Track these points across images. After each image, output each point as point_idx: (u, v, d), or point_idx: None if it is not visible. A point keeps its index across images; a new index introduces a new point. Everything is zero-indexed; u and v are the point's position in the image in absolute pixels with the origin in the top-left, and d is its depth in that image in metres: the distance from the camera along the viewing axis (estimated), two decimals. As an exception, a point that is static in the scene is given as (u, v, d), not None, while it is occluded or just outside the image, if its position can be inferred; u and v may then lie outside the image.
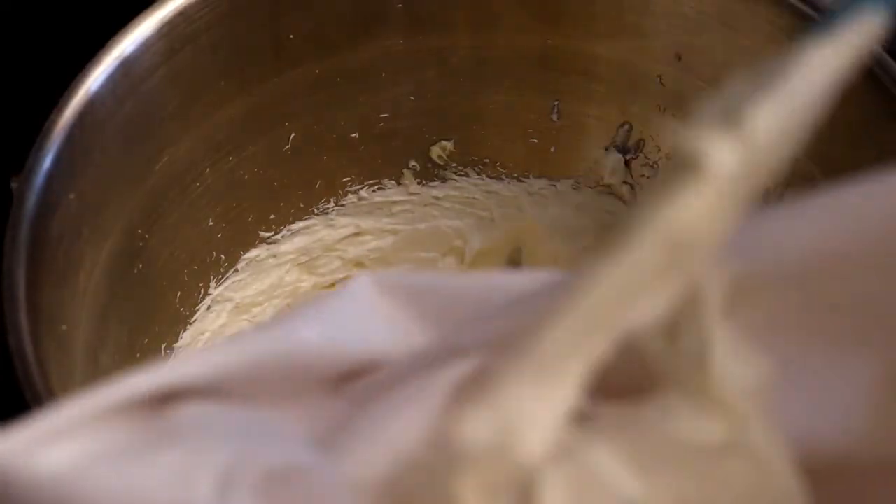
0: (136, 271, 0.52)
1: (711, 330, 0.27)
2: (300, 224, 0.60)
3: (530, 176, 0.61)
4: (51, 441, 0.28)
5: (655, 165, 0.59)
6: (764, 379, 0.27)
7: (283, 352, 0.31)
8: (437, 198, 0.61)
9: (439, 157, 0.61)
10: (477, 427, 0.26)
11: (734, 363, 0.27)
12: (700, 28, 0.54)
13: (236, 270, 0.58)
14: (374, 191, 0.61)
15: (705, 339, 0.27)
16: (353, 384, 0.32)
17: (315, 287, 0.61)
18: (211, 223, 0.56)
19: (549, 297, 0.29)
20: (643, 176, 0.59)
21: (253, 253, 0.59)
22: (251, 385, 0.30)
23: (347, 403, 0.31)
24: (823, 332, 0.29)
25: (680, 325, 0.27)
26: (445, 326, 0.33)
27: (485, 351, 0.30)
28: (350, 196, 0.60)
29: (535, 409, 0.26)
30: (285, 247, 0.60)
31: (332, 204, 0.60)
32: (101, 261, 0.49)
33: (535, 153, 0.60)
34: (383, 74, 0.57)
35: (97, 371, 0.49)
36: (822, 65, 0.28)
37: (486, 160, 0.61)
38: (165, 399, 0.29)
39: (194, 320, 0.57)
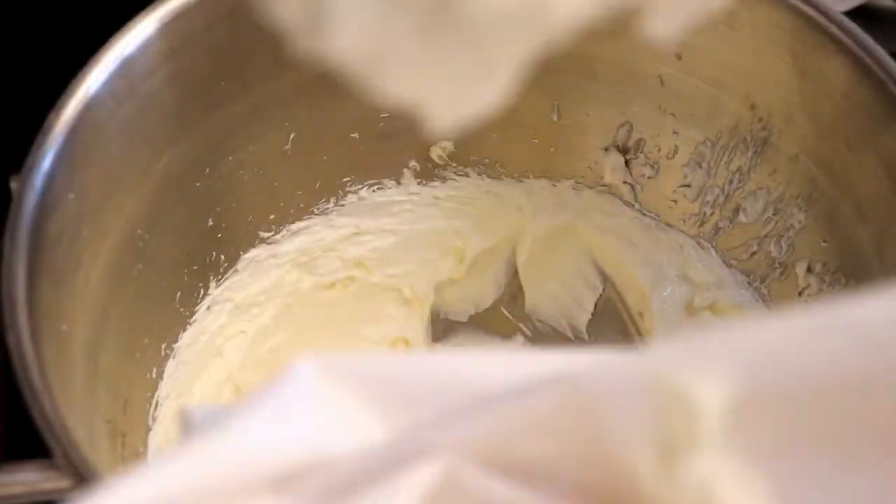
0: (135, 271, 0.52)
1: (714, 461, 0.25)
2: (300, 224, 0.60)
3: (530, 176, 0.61)
4: None
5: (655, 165, 0.59)
6: None
7: (226, 460, 0.29)
8: (437, 198, 0.61)
9: (439, 157, 0.61)
10: None
11: (738, 497, 0.25)
12: (700, 28, 0.54)
13: (236, 270, 0.58)
14: (374, 191, 0.61)
15: (708, 472, 0.25)
16: (300, 485, 0.30)
17: (315, 287, 0.61)
18: (211, 223, 0.56)
19: (512, 396, 0.28)
20: (643, 176, 0.59)
21: (253, 253, 0.59)
22: (200, 498, 0.28)
23: None
24: (827, 449, 0.28)
25: (677, 449, 0.25)
26: (399, 419, 0.30)
27: (454, 451, 0.28)
28: (350, 196, 0.60)
29: None
30: (285, 247, 0.60)
31: (332, 204, 0.60)
32: (100, 260, 0.49)
33: (535, 153, 0.60)
34: (383, 74, 0.57)
35: (97, 371, 0.49)
36: None
37: (487, 160, 0.61)
38: None
39: (194, 320, 0.57)
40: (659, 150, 0.58)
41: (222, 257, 0.58)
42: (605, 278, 0.62)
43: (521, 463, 0.28)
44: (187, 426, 0.31)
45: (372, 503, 0.28)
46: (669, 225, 0.60)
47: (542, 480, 0.28)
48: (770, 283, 0.57)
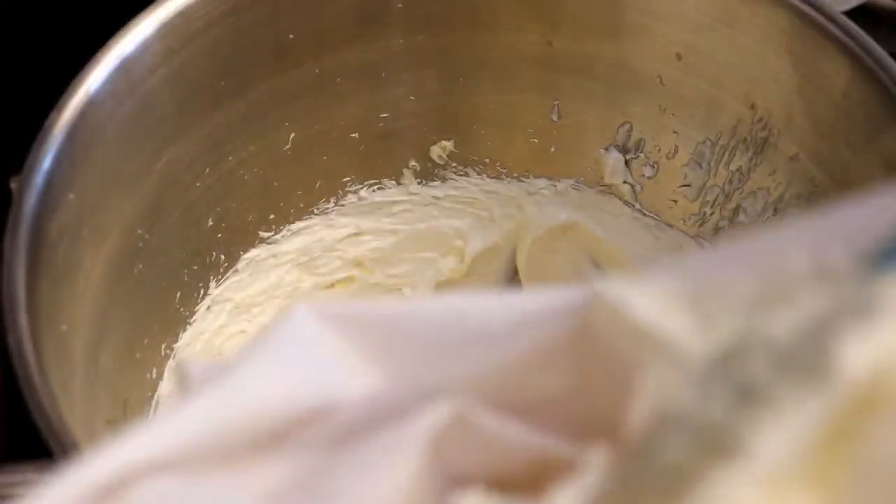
0: (135, 271, 0.52)
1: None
2: (300, 224, 0.60)
3: (530, 176, 0.61)
4: None
5: (655, 165, 0.59)
6: None
7: (227, 414, 0.28)
8: (437, 198, 0.61)
9: (439, 157, 0.61)
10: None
11: None
12: (700, 28, 0.54)
13: (236, 270, 0.58)
14: (374, 191, 0.61)
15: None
16: (303, 434, 0.29)
17: (315, 287, 0.61)
18: (211, 223, 0.56)
19: (521, 326, 0.27)
20: (643, 176, 0.59)
21: (253, 253, 0.59)
22: (203, 453, 0.28)
23: (304, 459, 0.29)
24: None
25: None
26: (402, 362, 0.30)
27: (461, 392, 0.28)
28: (350, 196, 0.60)
29: None
30: (285, 247, 0.60)
31: (332, 204, 0.60)
32: (100, 261, 0.49)
33: (535, 153, 0.60)
34: (383, 74, 0.57)
35: (97, 371, 0.49)
36: None
37: (486, 160, 0.61)
38: (116, 486, 0.27)
39: (194, 320, 0.57)
40: (659, 149, 0.58)
41: (222, 257, 0.58)
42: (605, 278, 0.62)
43: (529, 400, 0.28)
44: (185, 380, 0.31)
45: (380, 448, 0.27)
46: (669, 225, 0.60)
47: (549, 418, 0.28)
48: (770, 282, 0.57)
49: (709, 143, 0.57)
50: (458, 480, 0.28)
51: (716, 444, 0.21)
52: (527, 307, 0.29)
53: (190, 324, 0.56)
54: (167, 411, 0.29)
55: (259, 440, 0.29)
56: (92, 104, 0.47)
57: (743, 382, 0.22)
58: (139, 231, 0.51)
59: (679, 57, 0.55)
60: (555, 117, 0.59)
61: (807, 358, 0.21)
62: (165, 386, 0.55)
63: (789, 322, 0.22)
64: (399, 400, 0.28)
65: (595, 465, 0.26)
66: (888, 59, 0.49)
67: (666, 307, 0.25)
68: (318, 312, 0.30)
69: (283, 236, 0.59)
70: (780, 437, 0.21)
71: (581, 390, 0.28)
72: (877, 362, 0.21)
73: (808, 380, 0.21)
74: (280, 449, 0.29)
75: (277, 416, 0.29)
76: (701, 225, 0.59)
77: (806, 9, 0.50)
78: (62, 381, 0.44)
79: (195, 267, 0.56)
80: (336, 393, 0.29)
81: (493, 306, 0.30)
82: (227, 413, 0.28)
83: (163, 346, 0.55)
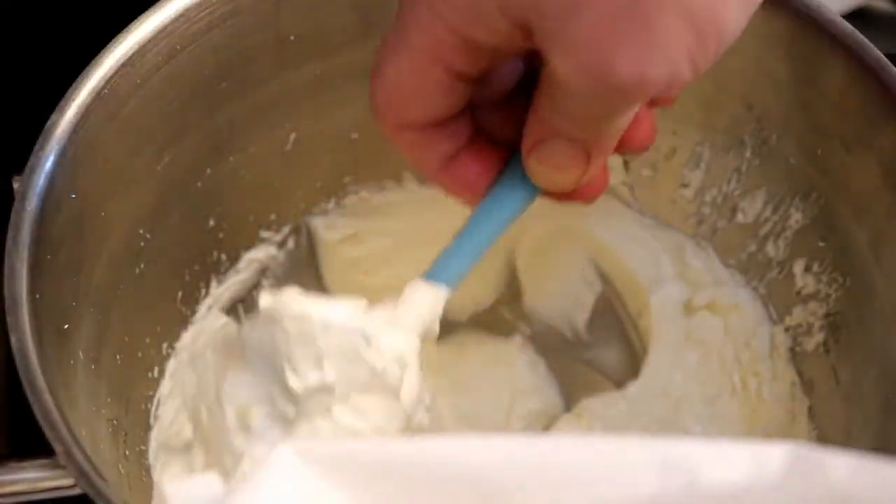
0: (137, 271, 0.52)
1: None
2: (301, 224, 0.60)
3: (530, 176, 0.61)
4: None
5: (654, 165, 0.59)
6: None
7: None
8: (437, 198, 0.61)
9: (439, 157, 0.61)
10: None
11: None
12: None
13: (237, 270, 0.58)
14: (374, 191, 0.61)
15: None
16: None
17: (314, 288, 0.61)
18: (212, 223, 0.56)
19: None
20: (642, 176, 0.60)
21: (254, 253, 0.59)
22: None
23: None
24: None
25: None
26: None
27: None
28: (350, 196, 0.61)
29: None
30: (286, 247, 0.60)
31: (332, 204, 0.60)
32: (102, 260, 0.49)
33: (534, 153, 0.60)
34: (383, 75, 0.57)
35: (99, 370, 0.49)
36: None
37: (486, 160, 0.61)
38: None
39: (195, 320, 0.57)
40: (657, 150, 0.58)
41: (223, 257, 0.58)
42: (604, 278, 0.62)
43: None
44: None
45: None
46: (668, 225, 0.60)
47: None
48: (768, 282, 0.58)
49: (707, 143, 0.57)
50: None
51: None
52: (518, 462, 0.28)
53: (191, 323, 0.57)
54: None
55: None
56: (94, 104, 0.47)
57: None
58: (141, 231, 0.52)
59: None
60: (554, 118, 0.59)
61: None
62: (166, 385, 0.55)
63: None
64: None
65: None
66: (885, 61, 0.49)
67: None
68: (301, 454, 0.29)
69: (283, 236, 0.60)
70: None
71: None
72: None
73: None
74: None
75: None
76: (699, 225, 0.59)
77: (804, 11, 0.51)
78: (64, 380, 0.44)
79: (196, 267, 0.56)
80: None
81: (479, 459, 0.28)
82: None
83: (164, 346, 0.55)
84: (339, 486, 0.29)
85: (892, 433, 0.50)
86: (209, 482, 0.31)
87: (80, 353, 0.47)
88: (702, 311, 0.59)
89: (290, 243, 0.60)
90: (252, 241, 0.59)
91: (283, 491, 0.29)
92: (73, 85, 0.47)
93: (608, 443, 0.28)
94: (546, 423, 0.61)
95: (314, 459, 0.29)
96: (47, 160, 0.46)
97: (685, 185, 0.59)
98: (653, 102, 0.42)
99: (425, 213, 0.61)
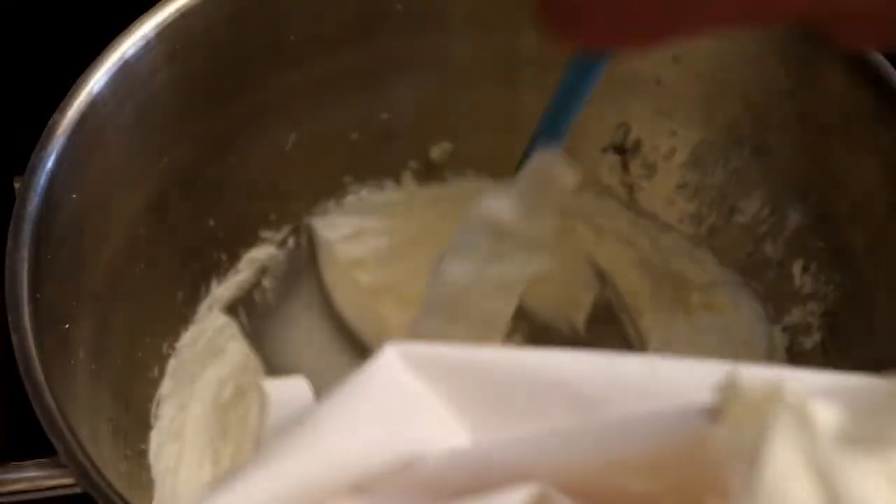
0: (137, 271, 0.52)
1: None
2: (301, 224, 0.60)
3: (529, 176, 0.61)
4: None
5: (653, 166, 0.59)
6: None
7: (311, 464, 0.28)
8: (436, 198, 0.61)
9: (439, 157, 0.61)
10: None
11: None
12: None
13: (237, 270, 0.59)
14: (374, 191, 0.61)
15: None
16: (386, 486, 0.29)
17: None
18: (212, 223, 0.56)
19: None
20: (641, 176, 0.60)
21: (254, 253, 0.59)
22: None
23: None
24: None
25: None
26: (491, 414, 0.29)
27: (544, 476, 0.27)
28: (350, 196, 0.61)
29: None
30: (286, 247, 0.60)
31: (332, 204, 0.61)
32: (103, 260, 0.49)
33: (534, 153, 0.60)
34: (383, 74, 0.57)
35: (99, 369, 0.49)
36: None
37: (487, 160, 0.61)
38: None
39: (196, 320, 0.57)
40: (656, 150, 0.59)
41: (223, 257, 0.58)
42: (603, 278, 0.62)
43: (615, 497, 0.27)
44: (267, 406, 0.31)
45: None
46: (667, 225, 0.60)
47: None
48: (766, 282, 0.58)
49: (706, 143, 0.57)
50: None
51: None
52: (629, 383, 0.29)
53: (192, 323, 0.57)
54: (249, 463, 0.28)
55: (345, 490, 0.28)
56: (94, 105, 0.47)
57: None
58: (141, 231, 0.52)
59: (677, 59, 0.55)
60: (554, 118, 0.59)
61: None
62: (167, 385, 0.55)
63: None
64: (487, 462, 0.28)
65: None
66: (884, 61, 0.49)
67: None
68: (405, 355, 0.30)
69: (283, 236, 0.60)
70: None
71: (675, 493, 0.27)
72: None
73: None
74: (366, 498, 0.29)
75: (361, 465, 0.29)
76: (698, 225, 0.59)
77: (802, 11, 0.51)
78: (65, 380, 0.44)
79: (197, 266, 0.57)
80: (423, 443, 0.29)
81: (592, 376, 0.29)
82: (312, 468, 0.28)
83: (164, 346, 0.55)
84: (435, 386, 0.30)
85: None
86: (299, 384, 0.32)
87: (81, 353, 0.47)
88: (700, 311, 0.59)
89: (290, 243, 0.60)
90: (252, 241, 0.59)
91: (384, 389, 0.29)
92: (74, 85, 0.47)
93: (690, 362, 0.30)
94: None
95: (417, 360, 0.30)
96: (48, 160, 0.46)
97: (684, 185, 0.59)
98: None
99: (425, 213, 0.61)
